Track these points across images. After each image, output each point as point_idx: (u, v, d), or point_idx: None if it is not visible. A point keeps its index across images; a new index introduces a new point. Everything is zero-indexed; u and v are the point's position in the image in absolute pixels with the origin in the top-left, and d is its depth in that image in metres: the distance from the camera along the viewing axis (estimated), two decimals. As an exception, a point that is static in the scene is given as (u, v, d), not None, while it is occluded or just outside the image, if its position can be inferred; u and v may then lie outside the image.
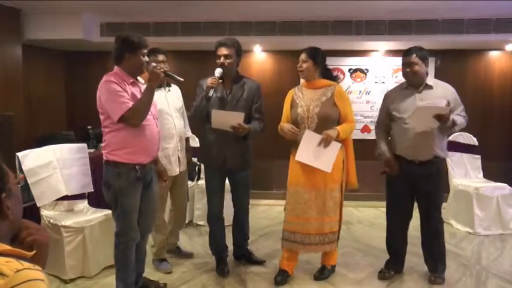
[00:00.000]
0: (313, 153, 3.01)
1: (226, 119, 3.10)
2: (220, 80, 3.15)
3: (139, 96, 2.70)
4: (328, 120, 3.06)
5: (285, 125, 3.15)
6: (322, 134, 3.00)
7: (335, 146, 3.02)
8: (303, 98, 3.15)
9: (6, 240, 1.00)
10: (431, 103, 2.97)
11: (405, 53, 3.09)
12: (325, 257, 3.36)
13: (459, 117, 3.02)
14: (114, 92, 2.58)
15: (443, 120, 2.85)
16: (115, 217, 2.78)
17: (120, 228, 2.75)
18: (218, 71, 3.15)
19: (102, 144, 2.74)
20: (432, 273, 3.26)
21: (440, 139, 3.11)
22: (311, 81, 3.17)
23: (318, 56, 3.12)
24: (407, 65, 3.06)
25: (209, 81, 3.11)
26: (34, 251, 1.03)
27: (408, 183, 3.16)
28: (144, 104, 2.63)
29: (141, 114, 2.62)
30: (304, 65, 3.11)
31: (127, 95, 2.61)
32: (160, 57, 3.34)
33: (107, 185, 2.70)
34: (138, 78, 2.88)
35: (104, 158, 2.71)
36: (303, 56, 3.13)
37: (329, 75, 3.25)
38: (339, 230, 3.24)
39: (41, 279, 0.91)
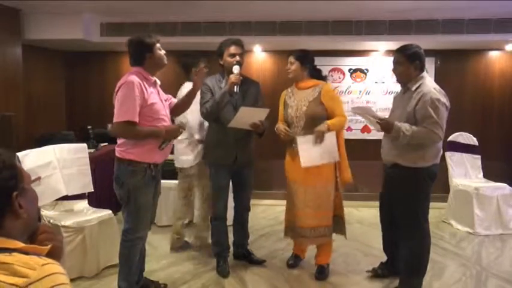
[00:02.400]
0: (314, 153, 3.10)
1: (252, 115, 3.14)
2: (241, 77, 3.18)
3: (156, 97, 2.75)
4: (315, 118, 3.16)
5: (279, 126, 3.31)
6: (313, 132, 3.11)
7: (330, 136, 3.13)
8: (293, 99, 3.30)
9: (22, 240, 1.05)
10: (364, 106, 2.98)
11: (396, 50, 3.02)
12: (320, 256, 3.38)
13: (421, 129, 2.76)
14: (132, 96, 2.59)
15: (381, 127, 2.82)
16: (125, 214, 2.79)
17: (130, 225, 2.77)
18: (237, 68, 3.19)
19: (118, 142, 2.75)
20: (403, 284, 3.09)
21: (405, 146, 2.84)
22: (299, 81, 3.32)
23: (305, 58, 3.28)
24: (393, 63, 3.02)
25: (233, 78, 3.13)
26: (49, 246, 1.08)
27: (385, 185, 3.18)
28: None
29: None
30: (292, 67, 3.27)
31: (139, 102, 2.62)
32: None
33: (120, 182, 2.72)
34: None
35: (118, 155, 2.73)
36: (291, 58, 3.29)
37: (318, 75, 3.38)
38: (331, 225, 3.28)
39: (62, 273, 0.99)
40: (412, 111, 2.84)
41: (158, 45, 2.76)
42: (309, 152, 3.09)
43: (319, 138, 3.08)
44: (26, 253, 0.99)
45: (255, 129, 3.22)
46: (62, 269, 1.00)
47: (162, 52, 2.78)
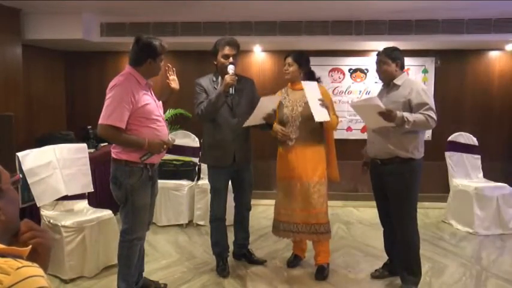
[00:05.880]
0: (316, 98, 3.15)
1: (266, 105, 3.13)
2: (236, 78, 3.17)
3: (149, 98, 2.73)
4: (311, 118, 3.17)
5: (275, 126, 3.32)
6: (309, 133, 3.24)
7: (326, 115, 3.15)
8: (289, 99, 3.36)
9: (2, 241, 0.99)
10: (363, 100, 3.06)
11: (377, 52, 3.18)
12: (319, 255, 3.39)
13: (419, 115, 2.89)
14: (120, 101, 2.58)
15: (384, 117, 2.84)
16: (123, 215, 2.79)
17: (128, 226, 2.77)
18: (232, 68, 3.16)
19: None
20: (402, 283, 3.15)
21: (402, 138, 2.96)
22: (295, 82, 3.37)
23: (302, 60, 3.35)
24: (376, 63, 3.17)
25: (228, 79, 3.09)
26: (29, 247, 1.01)
27: (377, 183, 3.20)
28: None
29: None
30: (290, 68, 3.33)
31: (129, 106, 2.60)
32: None
33: (118, 183, 2.71)
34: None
35: (114, 156, 2.72)
36: (289, 60, 3.34)
37: (312, 77, 3.44)
38: (328, 222, 3.31)
39: (41, 275, 0.92)
40: (407, 101, 2.98)
41: (162, 56, 2.75)
42: (314, 94, 3.16)
43: (323, 103, 3.14)
44: (4, 256, 0.92)
45: (268, 120, 3.22)
46: (40, 271, 0.93)
47: (162, 63, 2.78)
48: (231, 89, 3.11)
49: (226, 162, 3.29)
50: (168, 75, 3.02)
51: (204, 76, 3.36)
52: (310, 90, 3.18)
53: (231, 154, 3.28)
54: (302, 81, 3.24)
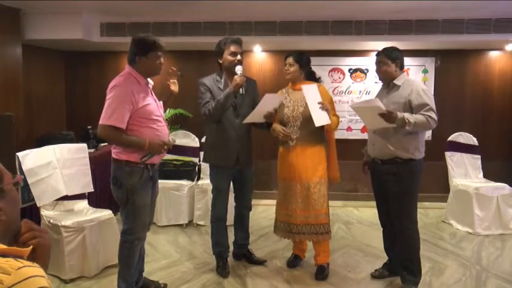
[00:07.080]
0: (316, 101, 3.15)
1: (269, 102, 3.13)
2: (245, 78, 3.17)
3: (149, 98, 2.72)
4: (312, 119, 3.15)
5: (276, 126, 3.31)
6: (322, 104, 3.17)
7: (326, 114, 3.15)
8: (289, 99, 3.35)
9: (3, 241, 0.99)
10: (364, 101, 3.07)
11: (377, 52, 3.17)
12: (320, 256, 3.39)
13: (420, 116, 2.88)
14: (120, 101, 2.58)
15: (385, 118, 2.84)
16: (124, 215, 2.78)
17: (128, 226, 2.77)
18: (240, 69, 3.17)
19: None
20: (402, 283, 3.16)
21: (402, 138, 2.97)
22: (296, 83, 3.37)
23: (303, 61, 3.34)
24: (376, 64, 3.16)
25: (238, 79, 3.10)
26: (30, 247, 1.01)
27: (378, 183, 3.20)
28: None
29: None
30: (291, 69, 3.33)
31: (129, 106, 2.60)
32: None
33: (118, 183, 2.71)
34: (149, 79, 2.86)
35: (115, 156, 2.72)
36: (290, 60, 3.34)
37: (313, 77, 3.44)
38: (328, 223, 3.30)
39: (41, 275, 0.92)
40: (407, 101, 2.97)
41: (158, 53, 2.69)
42: (314, 97, 3.14)
43: (323, 107, 3.13)
44: (5, 256, 0.92)
45: (269, 119, 3.22)
46: (41, 271, 0.93)
47: (158, 62, 2.71)
48: (241, 89, 3.12)
49: (229, 162, 3.29)
50: (169, 77, 3.02)
51: (207, 76, 3.36)
52: (310, 94, 3.17)
53: (234, 154, 3.29)
54: (302, 85, 3.24)
